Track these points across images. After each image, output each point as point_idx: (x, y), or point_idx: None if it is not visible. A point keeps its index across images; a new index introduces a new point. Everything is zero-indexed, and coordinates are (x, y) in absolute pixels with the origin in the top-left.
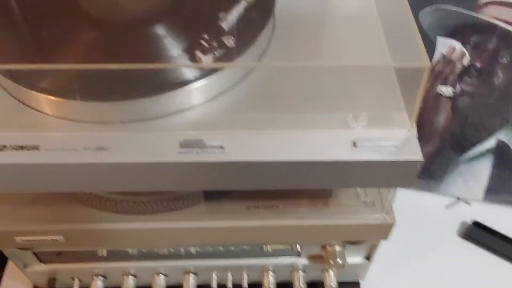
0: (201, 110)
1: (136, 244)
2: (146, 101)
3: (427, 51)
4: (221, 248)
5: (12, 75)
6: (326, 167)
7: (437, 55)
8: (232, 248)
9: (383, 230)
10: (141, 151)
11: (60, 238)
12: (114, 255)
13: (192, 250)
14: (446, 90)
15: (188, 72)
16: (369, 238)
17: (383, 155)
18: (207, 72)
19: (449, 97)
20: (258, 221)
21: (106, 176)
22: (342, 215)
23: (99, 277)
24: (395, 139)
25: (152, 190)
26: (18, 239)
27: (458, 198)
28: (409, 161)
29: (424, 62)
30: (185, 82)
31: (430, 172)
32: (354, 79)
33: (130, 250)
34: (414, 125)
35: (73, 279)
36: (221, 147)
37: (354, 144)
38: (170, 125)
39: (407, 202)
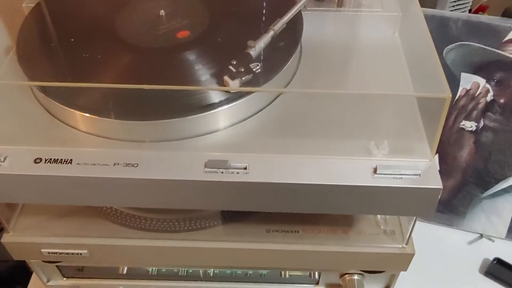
0: (227, 133)
1: (157, 263)
2: (176, 122)
3: (451, 87)
4: (239, 272)
5: (50, 93)
6: (346, 192)
7: (461, 91)
8: (250, 272)
9: (403, 260)
10: (168, 169)
11: (85, 252)
12: (135, 273)
13: (211, 272)
14: (469, 125)
15: (217, 96)
16: (388, 268)
17: (403, 182)
18: (234, 97)
19: (473, 132)
20: (277, 245)
21: (134, 191)
22: (362, 243)
23: None
24: (415, 168)
25: (178, 208)
26: (45, 251)
27: (481, 235)
28: (429, 189)
29: (445, 92)
30: (213, 106)
31: (453, 207)
32: (377, 108)
33: (150, 269)
34: (435, 155)
35: None
36: (245, 168)
37: (375, 171)
38: (197, 146)
39: (429, 236)
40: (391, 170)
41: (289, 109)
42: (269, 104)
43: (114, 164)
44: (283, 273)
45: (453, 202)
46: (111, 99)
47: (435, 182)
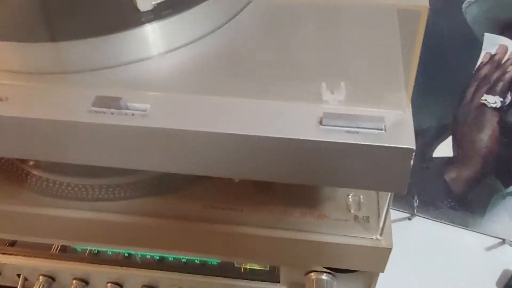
0: (138, 67)
1: (66, 236)
2: (64, 47)
3: (472, 50)
4: (184, 260)
5: None
6: (277, 148)
7: (483, 57)
8: (197, 261)
9: (378, 257)
10: (43, 105)
11: None
12: (65, 255)
13: (151, 258)
14: (492, 100)
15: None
16: (359, 266)
17: (360, 138)
18: (154, 16)
19: (497, 110)
20: (215, 225)
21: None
22: (324, 229)
23: (46, 278)
24: (380, 120)
25: (56, 160)
26: None
27: (503, 240)
28: (396, 150)
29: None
30: (123, 26)
31: (468, 203)
32: (346, 45)
33: (79, 249)
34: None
35: (18, 276)
36: (145, 110)
37: (321, 122)
38: (88, 81)
39: (439, 238)
40: (344, 121)
41: (232, 43)
42: (208, 34)
43: None
44: (238, 265)
45: (469, 197)
46: None
47: (406, 141)
